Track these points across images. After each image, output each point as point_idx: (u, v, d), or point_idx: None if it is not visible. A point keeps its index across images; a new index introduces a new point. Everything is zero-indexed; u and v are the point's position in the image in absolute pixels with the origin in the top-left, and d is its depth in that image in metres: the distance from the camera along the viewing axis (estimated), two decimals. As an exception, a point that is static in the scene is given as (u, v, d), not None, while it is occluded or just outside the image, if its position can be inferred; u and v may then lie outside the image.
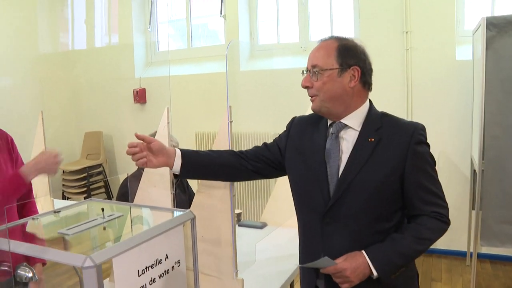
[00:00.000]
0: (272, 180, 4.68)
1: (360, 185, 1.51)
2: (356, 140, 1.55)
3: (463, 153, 4.22)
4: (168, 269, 1.34)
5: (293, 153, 1.69)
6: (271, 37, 5.21)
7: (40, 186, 1.96)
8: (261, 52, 5.19)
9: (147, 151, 1.56)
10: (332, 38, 1.59)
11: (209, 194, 1.83)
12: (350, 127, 1.56)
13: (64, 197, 5.60)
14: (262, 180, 4.78)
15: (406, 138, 1.51)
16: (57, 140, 1.92)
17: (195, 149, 5.38)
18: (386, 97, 4.25)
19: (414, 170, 1.51)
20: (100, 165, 5.75)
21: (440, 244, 4.33)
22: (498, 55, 3.13)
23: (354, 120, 1.56)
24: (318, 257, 1.53)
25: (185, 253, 1.43)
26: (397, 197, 1.53)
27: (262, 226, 2.81)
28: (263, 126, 4.86)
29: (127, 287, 1.18)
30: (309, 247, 1.65)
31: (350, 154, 1.54)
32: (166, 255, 1.33)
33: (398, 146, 1.51)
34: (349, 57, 1.53)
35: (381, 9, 4.40)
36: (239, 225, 2.84)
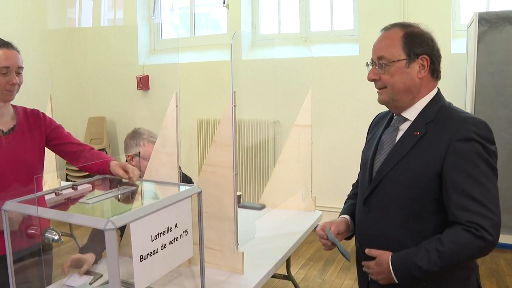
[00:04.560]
0: (271, 164, 4.83)
1: (394, 178, 1.47)
2: (404, 132, 1.50)
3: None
4: (177, 237, 1.49)
5: (366, 147, 1.71)
6: (273, 27, 5.32)
7: (46, 165, 2.08)
8: (263, 41, 5.31)
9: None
10: (397, 26, 1.50)
11: (212, 172, 1.96)
12: (408, 119, 1.51)
13: (67, 180, 5.73)
14: (261, 163, 4.93)
15: (450, 133, 1.38)
16: (62, 124, 2.05)
17: (196, 136, 5.46)
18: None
19: (453, 170, 1.37)
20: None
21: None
22: (489, 50, 3.27)
23: (414, 111, 1.50)
24: (360, 243, 1.61)
25: (192, 224, 1.58)
26: (434, 197, 1.41)
27: (261, 207, 2.96)
28: (263, 114, 5.00)
29: (142, 250, 1.33)
30: (356, 232, 1.68)
31: (393, 146, 1.51)
32: (176, 224, 1.47)
33: (440, 141, 1.40)
34: (417, 45, 1.45)
35: (380, 2, 4.52)
36: (239, 207, 2.98)
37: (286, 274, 3.15)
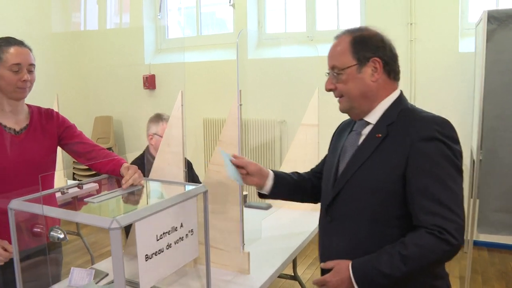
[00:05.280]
0: (277, 164, 4.82)
1: (357, 183, 1.42)
2: (366, 136, 1.46)
3: (464, 144, 4.28)
4: (182, 237, 1.48)
5: (328, 155, 1.67)
6: (279, 26, 5.31)
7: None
8: (269, 40, 5.30)
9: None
10: (345, 32, 1.48)
11: (218, 171, 1.95)
12: (370, 123, 1.47)
13: (74, 179, 5.75)
14: (268, 163, 4.91)
15: (412, 133, 1.34)
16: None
17: (202, 135, 5.47)
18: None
19: (416, 171, 1.32)
20: (109, 148, 5.88)
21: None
22: (498, 48, 3.23)
23: (375, 115, 1.46)
24: (322, 255, 1.55)
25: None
26: (399, 201, 1.35)
27: (267, 207, 2.95)
28: (269, 113, 4.98)
29: (147, 249, 1.32)
30: (319, 245, 1.61)
31: (355, 150, 1.47)
32: (181, 223, 1.47)
33: (403, 142, 1.35)
34: (366, 49, 1.42)
35: (387, 0, 4.49)
36: (245, 206, 2.97)
37: (293, 274, 3.14)
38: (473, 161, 3.92)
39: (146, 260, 1.32)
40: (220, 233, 1.98)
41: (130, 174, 1.70)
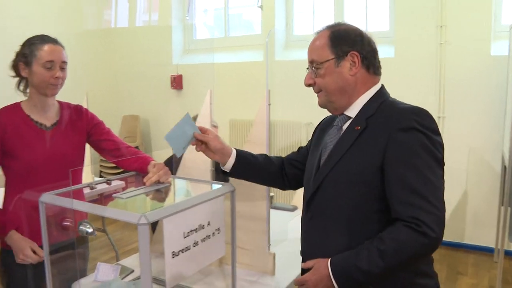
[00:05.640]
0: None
1: (336, 177, 1.39)
2: (345, 129, 1.45)
3: (495, 149, 4.22)
4: (209, 235, 1.47)
5: (310, 151, 1.64)
6: (307, 28, 5.28)
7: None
8: (296, 42, 5.27)
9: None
10: (325, 27, 1.48)
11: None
12: (350, 117, 1.45)
13: (101, 176, 5.83)
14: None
15: (390, 124, 1.32)
16: (97, 121, 2.12)
17: (228, 136, 5.47)
18: (417, 91, 4.30)
19: (394, 162, 1.29)
20: (136, 147, 5.94)
21: (468, 239, 4.38)
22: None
23: (355, 109, 1.44)
24: (303, 253, 1.52)
25: (224, 222, 1.56)
26: (378, 194, 1.32)
27: (293, 208, 2.93)
28: (296, 115, 4.96)
29: (174, 246, 1.32)
30: (301, 243, 1.59)
31: (334, 144, 1.45)
32: (208, 222, 1.46)
33: (381, 133, 1.33)
34: (343, 43, 1.41)
35: (417, 2, 4.42)
36: (271, 207, 2.95)
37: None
38: (504, 167, 3.83)
39: (173, 257, 1.31)
40: (246, 233, 1.97)
41: (155, 172, 1.71)
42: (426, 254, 1.29)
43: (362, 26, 4.79)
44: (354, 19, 4.95)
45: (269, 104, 1.89)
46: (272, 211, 2.50)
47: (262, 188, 1.91)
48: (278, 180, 1.75)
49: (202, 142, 1.59)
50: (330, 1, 5.05)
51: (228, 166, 1.64)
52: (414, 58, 4.45)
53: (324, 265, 1.32)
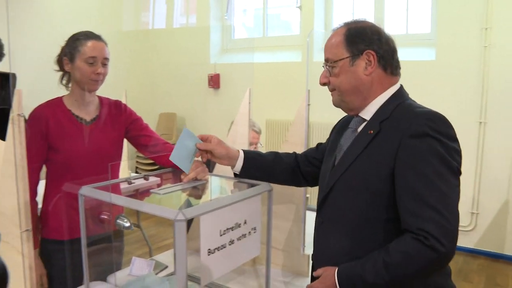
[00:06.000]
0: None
1: (346, 182, 1.35)
2: (359, 133, 1.39)
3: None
4: (245, 234, 1.46)
5: (326, 153, 1.60)
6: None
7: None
8: (335, 43, 5.20)
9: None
10: (342, 25, 1.42)
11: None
12: (365, 120, 1.39)
13: (136, 172, 5.92)
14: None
15: (402, 129, 1.25)
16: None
17: (264, 136, 5.44)
18: (458, 95, 4.17)
19: (404, 169, 1.22)
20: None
21: (508, 250, 4.22)
22: None
23: (370, 111, 1.38)
24: (314, 258, 1.47)
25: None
26: (388, 202, 1.26)
27: (328, 211, 2.89)
28: (334, 117, 4.89)
29: (210, 243, 1.31)
30: (313, 248, 1.54)
31: (347, 148, 1.40)
32: (245, 220, 1.45)
33: (393, 139, 1.26)
34: (359, 41, 1.35)
35: (460, 4, 4.30)
36: (306, 209, 2.92)
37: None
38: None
39: (209, 255, 1.31)
40: (281, 233, 1.95)
41: (192, 169, 1.71)
42: (435, 269, 1.20)
43: (402, 28, 4.69)
44: (395, 21, 4.87)
45: (308, 104, 1.86)
46: (307, 212, 2.48)
47: (299, 189, 1.89)
48: (291, 177, 1.70)
49: (206, 151, 1.57)
50: (370, 2, 4.98)
51: (237, 168, 1.61)
52: (456, 61, 4.32)
53: (331, 274, 1.29)
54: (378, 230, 1.29)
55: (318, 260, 1.44)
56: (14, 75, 1.80)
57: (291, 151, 1.77)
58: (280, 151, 1.77)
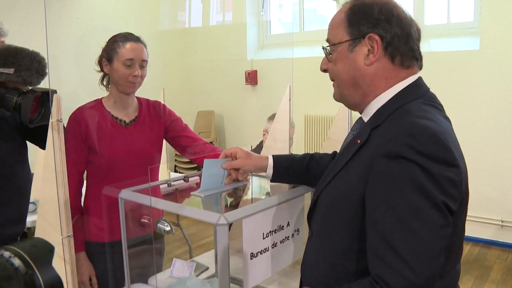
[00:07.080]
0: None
1: (325, 198, 1.13)
2: (349, 141, 1.16)
3: None
4: (288, 236, 1.42)
5: None
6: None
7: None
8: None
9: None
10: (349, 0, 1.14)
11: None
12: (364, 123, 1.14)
13: (175, 172, 5.95)
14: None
15: (379, 145, 0.99)
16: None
17: (303, 132, 5.35)
18: (502, 86, 3.97)
19: (372, 199, 0.98)
20: (210, 142, 6.02)
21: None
22: None
23: (370, 112, 1.11)
24: (301, 273, 1.28)
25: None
26: (359, 230, 1.02)
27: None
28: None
29: (253, 247, 1.27)
30: None
31: (337, 157, 1.21)
32: (288, 222, 1.40)
33: (369, 155, 1.01)
34: (363, 22, 1.07)
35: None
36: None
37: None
38: None
39: (251, 259, 1.27)
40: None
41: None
42: None
43: (443, 17, 4.50)
44: (435, 10, 4.70)
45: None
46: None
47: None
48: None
49: (236, 169, 1.44)
50: (410, -6, 4.82)
51: (268, 175, 1.45)
52: (501, 50, 4.12)
53: None
54: (349, 261, 1.06)
55: (302, 273, 1.26)
56: (53, 91, 1.81)
57: (332, 149, 1.70)
58: (321, 148, 1.70)
